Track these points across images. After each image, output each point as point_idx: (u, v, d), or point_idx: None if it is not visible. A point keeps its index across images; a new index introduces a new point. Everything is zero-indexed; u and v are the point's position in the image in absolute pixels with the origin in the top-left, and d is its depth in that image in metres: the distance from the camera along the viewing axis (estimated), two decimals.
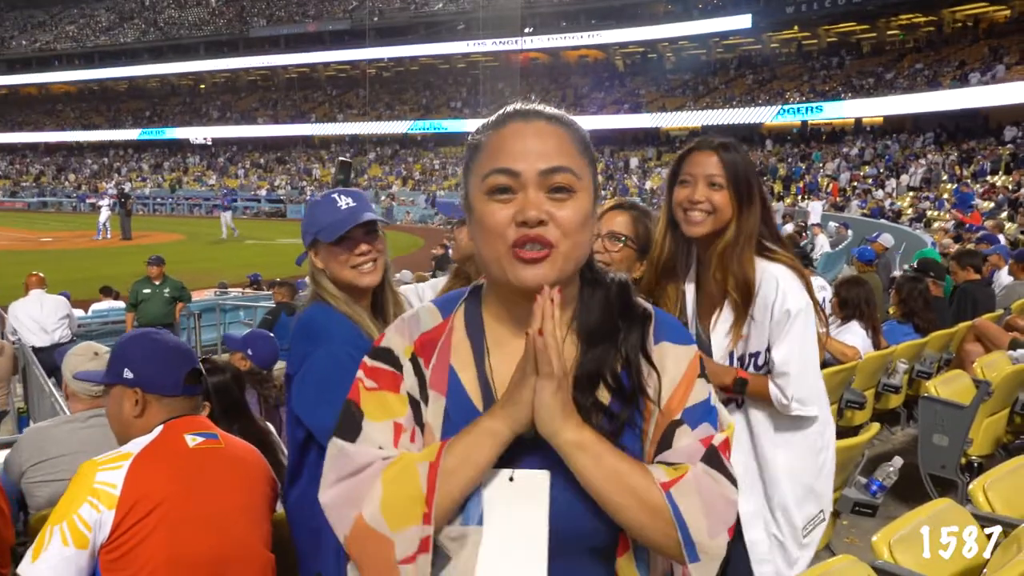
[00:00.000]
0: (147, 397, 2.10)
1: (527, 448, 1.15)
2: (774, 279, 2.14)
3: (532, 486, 1.15)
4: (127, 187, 42.89)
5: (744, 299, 2.16)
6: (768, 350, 2.16)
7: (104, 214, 29.82)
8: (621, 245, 2.35)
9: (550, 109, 1.21)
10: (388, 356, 1.25)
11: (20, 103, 62.25)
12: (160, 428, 2.06)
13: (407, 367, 1.23)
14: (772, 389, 2.16)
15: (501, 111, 1.22)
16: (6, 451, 3.48)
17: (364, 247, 2.17)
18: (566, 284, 1.19)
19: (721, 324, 2.22)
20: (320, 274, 2.18)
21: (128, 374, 2.09)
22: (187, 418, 2.12)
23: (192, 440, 2.06)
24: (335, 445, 1.21)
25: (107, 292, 12.18)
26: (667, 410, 1.19)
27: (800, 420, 2.18)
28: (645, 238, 2.37)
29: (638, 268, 2.36)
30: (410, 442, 1.20)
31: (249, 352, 3.89)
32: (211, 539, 1.98)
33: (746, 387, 2.17)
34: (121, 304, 11.00)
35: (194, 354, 2.25)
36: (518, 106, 1.22)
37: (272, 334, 4.51)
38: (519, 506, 1.15)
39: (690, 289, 2.27)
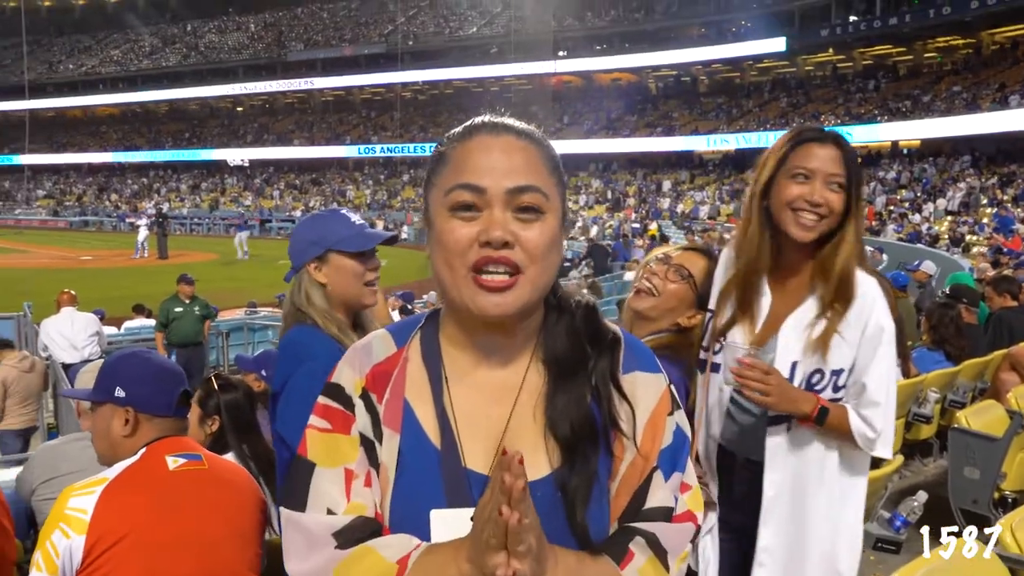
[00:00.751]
0: (139, 416, 2.06)
1: (481, 488, 1.08)
2: (869, 292, 1.94)
3: None
4: (165, 207, 43.67)
5: (843, 308, 1.92)
6: (852, 370, 1.94)
7: (142, 233, 30.34)
8: (682, 280, 2.17)
9: (520, 124, 1.14)
10: (339, 393, 1.17)
11: (66, 125, 63.84)
12: (142, 451, 2.03)
13: (358, 405, 1.15)
14: (855, 421, 1.92)
15: (470, 122, 1.14)
16: (20, 468, 3.51)
17: (376, 263, 2.14)
18: (530, 313, 1.12)
19: (791, 330, 1.97)
20: (316, 290, 2.12)
21: (120, 392, 2.06)
22: (171, 439, 2.07)
23: (173, 462, 2.01)
24: (284, 515, 1.15)
25: (140, 310, 12.35)
26: (644, 452, 1.13)
27: (861, 462, 1.97)
28: (705, 290, 2.18)
29: (688, 317, 2.17)
30: (364, 487, 1.12)
31: (263, 373, 3.87)
32: (191, 564, 1.93)
33: (826, 418, 1.92)
34: (153, 322, 11.14)
35: (183, 375, 2.22)
36: (486, 118, 1.14)
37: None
38: None
39: (767, 293, 2.04)
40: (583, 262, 21.58)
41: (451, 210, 1.07)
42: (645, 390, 1.15)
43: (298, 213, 44.53)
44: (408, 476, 1.11)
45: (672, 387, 1.19)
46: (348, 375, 1.17)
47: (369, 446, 1.14)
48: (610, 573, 1.08)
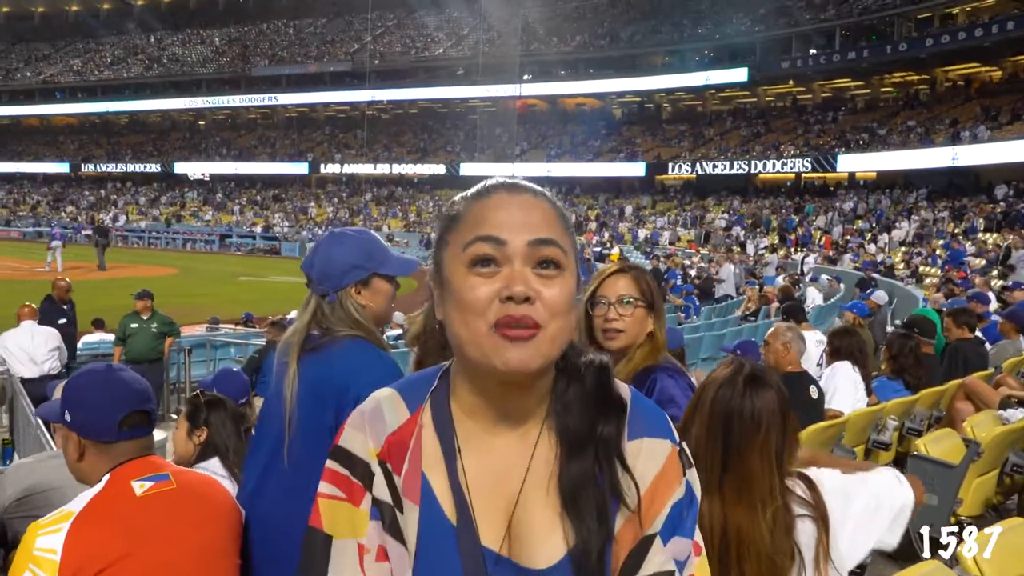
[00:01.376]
0: (83, 442, 1.97)
1: (498, 569, 1.08)
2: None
3: None
4: (106, 220, 43.09)
5: None
6: None
7: (54, 244, 29.61)
8: (632, 308, 2.32)
9: (535, 185, 1.13)
10: (348, 460, 1.13)
11: (21, 134, 62.62)
12: (107, 477, 1.95)
13: (378, 475, 1.12)
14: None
15: (483, 183, 1.13)
16: None
17: (397, 284, 2.24)
18: (544, 372, 1.08)
19: None
20: (361, 311, 2.16)
21: (67, 416, 1.97)
22: (136, 462, 1.97)
23: (140, 487, 1.93)
24: None
25: (99, 325, 12.13)
26: (644, 517, 1.09)
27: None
28: (651, 293, 2.36)
29: (651, 322, 2.35)
30: (375, 562, 1.10)
31: (215, 391, 3.90)
32: None
33: None
34: (112, 336, 10.96)
35: (143, 395, 2.05)
36: (502, 179, 1.13)
37: (238, 370, 4.54)
38: None
39: None
40: None
41: (470, 265, 1.05)
42: (649, 458, 1.11)
43: (259, 229, 44.20)
44: (427, 553, 1.09)
45: (684, 447, 1.16)
46: (360, 442, 1.13)
47: (389, 513, 1.11)
48: None
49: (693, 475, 1.15)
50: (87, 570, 1.79)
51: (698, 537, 1.15)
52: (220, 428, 3.08)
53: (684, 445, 1.17)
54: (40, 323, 8.84)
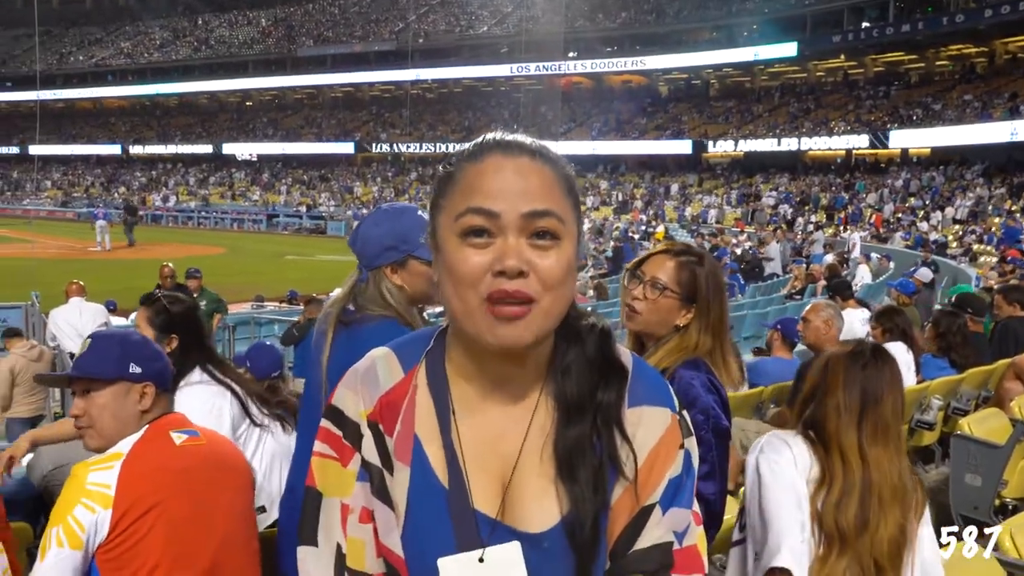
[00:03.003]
0: (157, 392, 2.11)
1: (494, 533, 1.06)
2: None
3: (504, 562, 1.05)
4: (135, 200, 44.87)
5: None
6: None
7: (99, 224, 30.66)
8: (658, 292, 2.16)
9: (534, 141, 1.06)
10: (339, 418, 1.12)
11: (75, 117, 64.02)
12: (146, 427, 2.07)
13: (366, 436, 1.10)
14: None
15: (479, 140, 1.07)
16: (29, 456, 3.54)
17: None
18: (542, 343, 1.05)
19: None
20: (396, 290, 2.11)
21: (135, 368, 2.09)
22: (168, 417, 2.12)
23: (178, 438, 2.06)
24: (300, 552, 1.14)
25: (111, 307, 12.36)
26: (642, 488, 1.07)
27: None
28: (690, 286, 2.16)
29: (683, 316, 2.17)
30: (358, 523, 1.10)
31: (248, 364, 3.91)
32: (205, 532, 2.00)
33: None
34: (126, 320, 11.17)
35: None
36: (498, 136, 1.06)
37: (273, 344, 4.56)
38: None
39: None
40: (591, 264, 21.59)
41: (462, 236, 1.01)
42: (649, 427, 1.09)
43: (304, 209, 44.72)
44: (417, 515, 1.07)
45: (684, 415, 1.14)
46: (352, 402, 1.12)
47: (378, 476, 1.10)
48: None
49: (692, 444, 1.14)
50: (142, 504, 1.90)
51: (696, 507, 1.13)
52: (190, 326, 2.92)
53: (684, 414, 1.14)
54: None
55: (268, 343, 4.65)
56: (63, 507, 1.90)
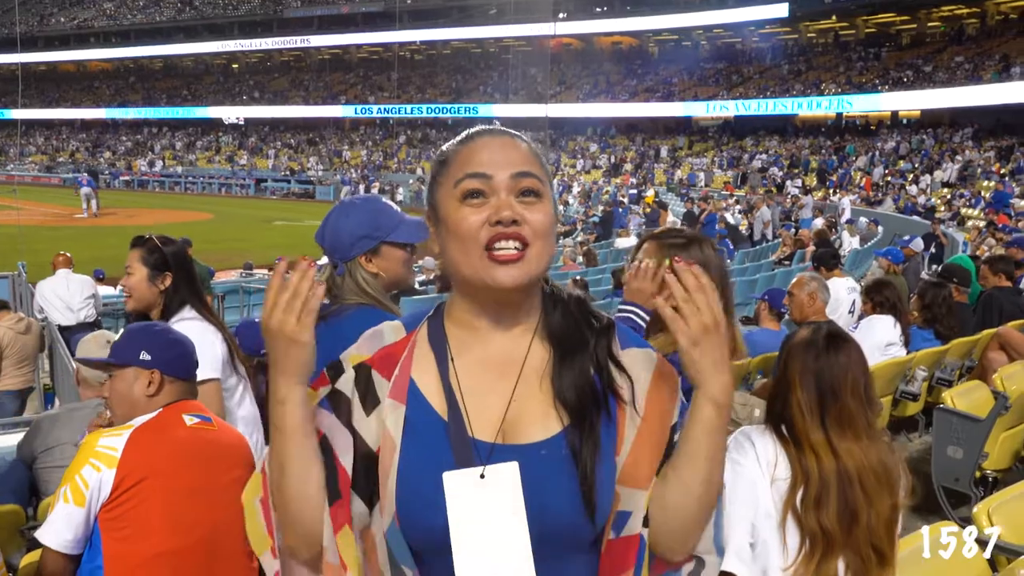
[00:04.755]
0: (163, 379, 2.26)
1: (492, 454, 1.18)
2: None
3: (503, 481, 1.15)
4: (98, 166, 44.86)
5: None
6: None
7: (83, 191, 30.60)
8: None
9: (512, 130, 1.29)
10: (333, 364, 1.31)
11: (58, 80, 63.09)
12: (160, 409, 2.23)
13: (348, 373, 1.28)
14: None
15: (468, 131, 1.28)
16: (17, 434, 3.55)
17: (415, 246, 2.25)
18: (532, 289, 1.25)
19: None
20: (371, 278, 2.18)
21: (145, 356, 2.25)
22: (184, 403, 2.28)
23: (189, 420, 2.22)
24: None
25: (99, 276, 12.29)
26: (660, 411, 1.24)
27: None
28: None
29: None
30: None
31: (237, 341, 3.92)
32: (204, 508, 2.13)
33: None
34: (118, 289, 11.11)
35: (195, 345, 2.41)
36: (485, 126, 1.28)
37: (260, 320, 4.51)
38: (492, 506, 1.14)
39: None
40: (580, 229, 21.53)
41: (461, 199, 1.20)
42: (642, 363, 1.26)
43: (291, 173, 44.39)
44: (415, 442, 1.21)
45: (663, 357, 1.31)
46: (350, 353, 1.30)
47: (346, 405, 1.27)
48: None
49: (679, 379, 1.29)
50: (143, 468, 2.05)
51: None
52: (182, 263, 2.96)
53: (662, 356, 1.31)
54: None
55: (257, 320, 4.64)
56: (73, 467, 2.05)
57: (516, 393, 1.22)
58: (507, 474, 1.15)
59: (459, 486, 1.15)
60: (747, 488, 1.97)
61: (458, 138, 1.28)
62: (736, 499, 1.94)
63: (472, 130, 1.28)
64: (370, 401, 1.25)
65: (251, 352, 4.04)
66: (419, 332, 1.30)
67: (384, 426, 1.23)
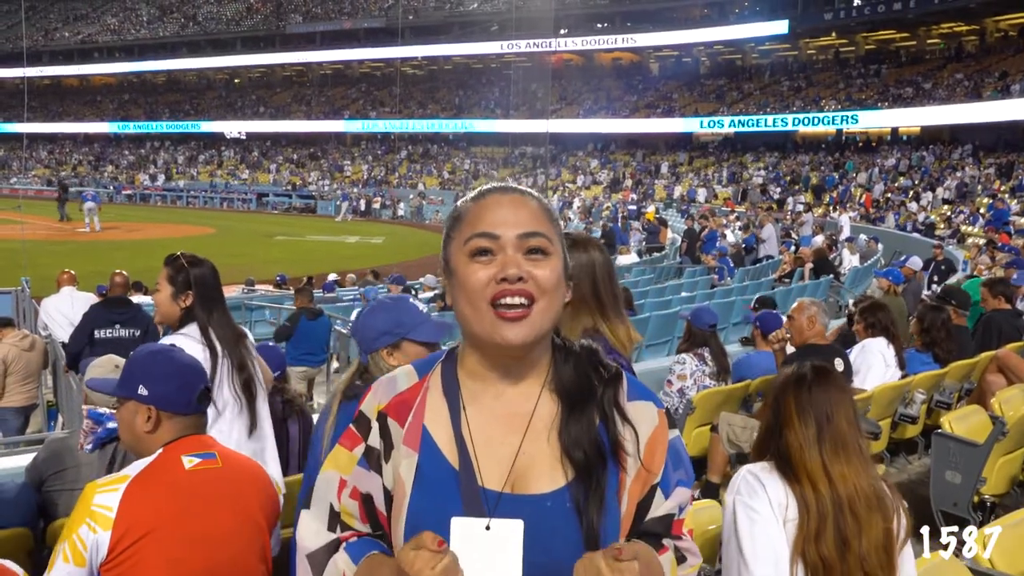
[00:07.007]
0: (160, 415, 2.18)
1: (499, 504, 1.23)
2: None
3: (506, 535, 1.19)
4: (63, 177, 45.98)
5: None
6: None
7: (87, 206, 30.39)
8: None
9: (523, 187, 1.34)
10: (359, 417, 1.36)
11: (62, 94, 63.34)
12: (160, 451, 2.15)
13: (374, 426, 1.33)
14: None
15: (480, 188, 1.33)
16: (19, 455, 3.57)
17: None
18: (540, 344, 1.28)
19: None
20: (389, 370, 2.33)
21: (143, 391, 2.17)
22: (188, 439, 2.20)
23: (189, 462, 2.14)
24: (300, 514, 1.41)
25: (138, 287, 12.34)
26: (647, 466, 1.29)
27: None
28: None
29: (567, 294, 2.41)
30: (349, 497, 1.34)
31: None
32: (204, 557, 2.08)
33: None
34: (150, 299, 11.14)
35: (205, 373, 2.37)
36: (496, 184, 1.33)
37: (275, 346, 4.58)
38: (495, 557, 1.18)
39: None
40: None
41: (470, 256, 1.24)
42: (644, 415, 1.31)
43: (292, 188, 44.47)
44: (426, 489, 1.26)
45: (667, 409, 1.35)
46: (371, 403, 1.35)
47: (374, 458, 1.32)
48: (655, 556, 1.27)
49: (676, 434, 1.35)
50: (139, 528, 1.99)
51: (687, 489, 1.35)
52: (203, 285, 3.04)
53: (667, 409, 1.37)
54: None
55: (270, 344, 4.69)
56: (71, 524, 2.01)
57: (524, 446, 1.27)
58: (511, 530, 1.19)
59: (465, 533, 1.20)
60: (765, 534, 2.03)
61: (471, 195, 1.33)
62: (757, 546, 2.02)
63: (485, 187, 1.33)
64: (387, 447, 1.31)
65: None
66: (431, 378, 1.34)
67: (397, 471, 1.29)
